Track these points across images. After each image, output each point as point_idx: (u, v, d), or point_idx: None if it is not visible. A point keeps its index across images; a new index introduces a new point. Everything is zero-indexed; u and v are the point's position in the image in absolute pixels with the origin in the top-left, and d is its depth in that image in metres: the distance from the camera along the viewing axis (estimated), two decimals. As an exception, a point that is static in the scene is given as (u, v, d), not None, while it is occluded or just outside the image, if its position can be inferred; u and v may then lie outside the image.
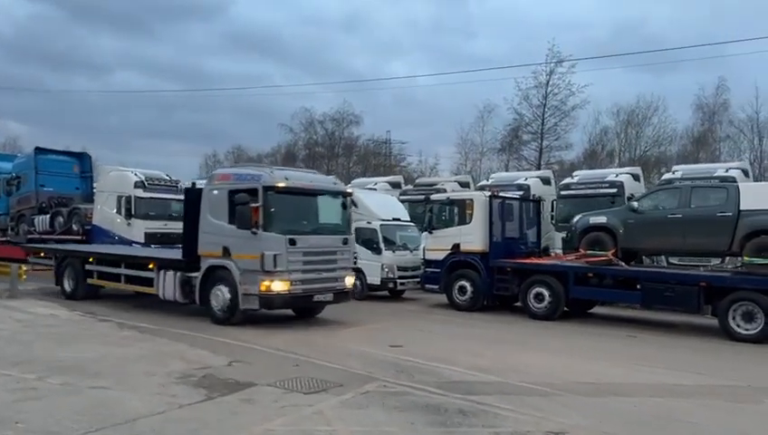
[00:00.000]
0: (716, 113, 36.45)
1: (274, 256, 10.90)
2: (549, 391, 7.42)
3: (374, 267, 16.22)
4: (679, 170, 18.58)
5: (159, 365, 8.15)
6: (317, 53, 72.99)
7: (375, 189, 22.10)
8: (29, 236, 23.65)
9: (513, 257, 14.74)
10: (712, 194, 12.75)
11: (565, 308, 13.71)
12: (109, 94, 70.17)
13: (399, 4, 73.53)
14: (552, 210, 18.99)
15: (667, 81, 51.88)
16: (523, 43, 60.67)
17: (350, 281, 12.40)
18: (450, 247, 15.02)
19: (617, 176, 18.89)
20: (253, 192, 11.12)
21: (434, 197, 16.70)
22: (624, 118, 39.05)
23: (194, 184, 13.77)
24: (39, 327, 11.10)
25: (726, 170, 17.42)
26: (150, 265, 13.16)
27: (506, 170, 34.25)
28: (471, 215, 14.85)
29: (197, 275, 12.12)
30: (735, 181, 15.82)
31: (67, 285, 15.15)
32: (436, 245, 15.40)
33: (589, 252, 13.53)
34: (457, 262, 14.92)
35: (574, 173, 21.19)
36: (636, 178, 19.28)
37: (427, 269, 15.80)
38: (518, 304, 14.55)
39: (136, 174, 21.81)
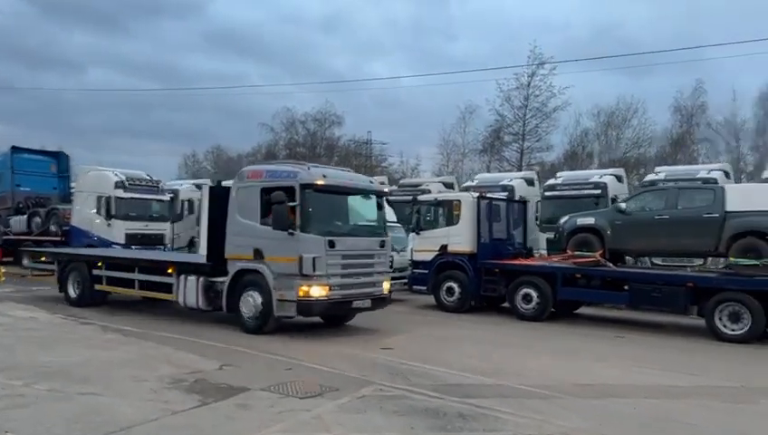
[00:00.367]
0: (694, 115, 37.00)
1: (313, 258, 10.14)
2: (547, 393, 7.38)
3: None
4: (662, 172, 18.80)
5: (148, 370, 7.95)
6: (297, 52, 72.75)
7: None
8: (5, 238, 23.18)
9: (501, 258, 14.75)
10: (698, 195, 12.87)
11: (552, 309, 13.74)
12: (83, 93, 69.03)
13: (380, 5, 73.64)
14: (537, 211, 19.08)
15: (645, 83, 52.74)
16: (505, 44, 61.13)
17: (387, 286, 11.64)
18: (438, 248, 14.97)
19: (601, 177, 19.08)
20: (289, 190, 10.36)
21: (421, 197, 16.66)
22: (604, 120, 39.44)
23: (219, 182, 13.07)
24: (19, 331, 10.79)
25: (708, 172, 17.66)
26: (170, 270, 12.27)
27: (488, 171, 34.35)
28: (459, 216, 14.82)
29: (224, 279, 11.26)
30: (717, 182, 16.04)
31: (72, 291, 14.18)
32: (423, 246, 15.34)
33: (576, 253, 13.58)
34: (445, 263, 14.87)
35: (558, 174, 21.32)
36: (619, 179, 19.50)
37: (415, 270, 15.74)
38: (506, 304, 14.56)
39: (116, 174, 21.52)
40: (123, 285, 13.33)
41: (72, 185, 24.43)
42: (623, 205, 13.52)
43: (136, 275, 13.01)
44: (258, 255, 10.76)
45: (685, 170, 19.21)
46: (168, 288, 12.32)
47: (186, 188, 27.14)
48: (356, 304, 11.05)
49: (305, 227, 10.34)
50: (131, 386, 7.11)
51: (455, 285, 14.74)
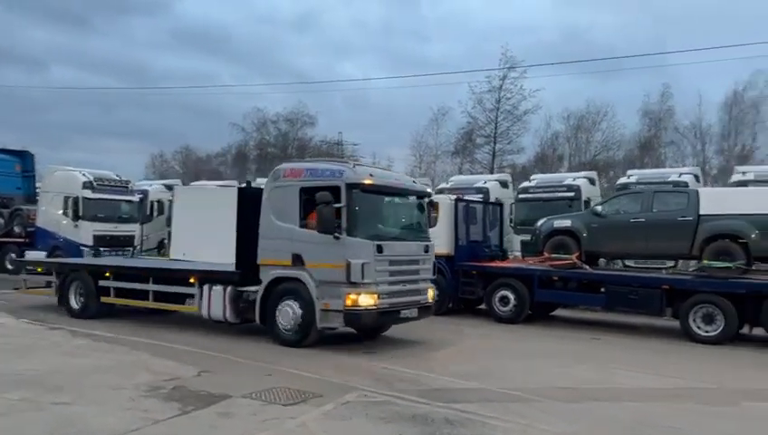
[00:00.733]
0: (662, 119, 37.62)
1: (362, 264, 9.35)
2: (530, 397, 7.37)
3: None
4: (634, 175, 19.07)
5: (124, 377, 7.71)
6: (267, 51, 71.93)
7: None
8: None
9: (478, 261, 14.78)
10: (673, 199, 13.05)
11: (529, 311, 13.79)
12: (47, 90, 67.41)
13: (351, 6, 73.32)
14: (511, 213, 19.17)
15: (614, 87, 53.47)
16: (476, 46, 61.25)
17: (431, 294, 10.87)
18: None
19: (574, 180, 19.25)
20: (334, 190, 9.57)
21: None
22: (574, 123, 39.97)
23: (249, 182, 12.25)
24: (-15, 337, 10.41)
25: (679, 175, 17.95)
26: (191, 280, 11.41)
27: (460, 173, 34.48)
28: (436, 218, 14.76)
29: (256, 288, 10.41)
30: (688, 185, 16.33)
31: (74, 303, 13.08)
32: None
33: (553, 255, 13.65)
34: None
35: (532, 177, 21.47)
36: (592, 181, 19.72)
37: (391, 272, 15.60)
38: (483, 307, 14.58)
39: (84, 174, 21.04)
40: (135, 296, 12.42)
41: (38, 185, 23.80)
42: (599, 208, 13.65)
43: (150, 286, 12.06)
44: (298, 261, 9.93)
45: (656, 174, 19.52)
46: (187, 300, 11.59)
47: (155, 188, 26.71)
48: (403, 313, 10.23)
49: (352, 231, 9.54)
50: (107, 394, 6.88)
51: (432, 288, 14.65)
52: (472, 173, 33.27)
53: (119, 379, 7.58)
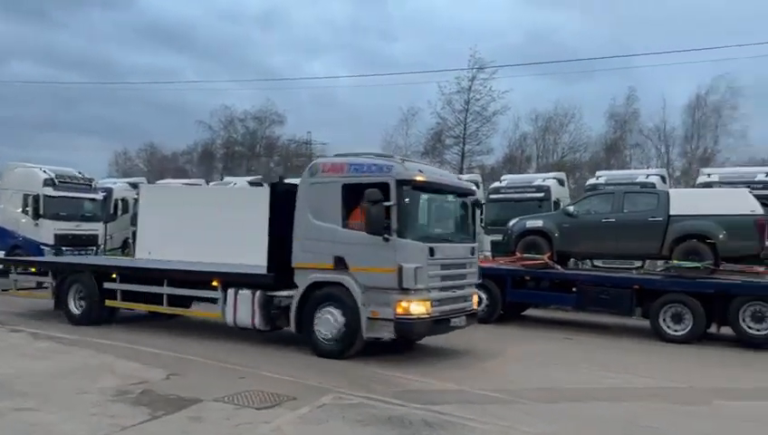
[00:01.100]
0: (627, 122, 38.30)
1: (415, 269, 8.60)
2: (508, 398, 7.31)
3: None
4: (603, 176, 19.31)
5: (89, 381, 7.43)
6: (233, 49, 71.06)
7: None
8: None
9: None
10: (644, 199, 13.22)
11: (501, 311, 13.80)
12: (5, 85, 65.32)
13: (318, 4, 72.85)
14: (481, 213, 19.19)
15: (583, 89, 54.30)
16: (443, 46, 61.56)
17: (476, 299, 10.24)
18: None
19: (543, 180, 19.42)
20: (381, 187, 8.75)
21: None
22: (542, 124, 40.46)
23: (281, 178, 11.27)
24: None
25: (647, 176, 18.26)
26: (214, 283, 10.55)
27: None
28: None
29: (290, 293, 9.59)
30: (655, 186, 16.58)
31: (74, 307, 12.10)
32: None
33: (525, 255, 13.68)
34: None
35: (502, 177, 21.58)
36: (561, 182, 19.94)
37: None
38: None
39: (45, 171, 20.42)
40: (145, 300, 11.54)
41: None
42: (571, 208, 13.72)
43: (165, 289, 11.16)
44: (340, 264, 9.10)
45: (624, 175, 19.82)
46: (208, 304, 10.83)
47: (119, 186, 26.12)
48: (453, 321, 9.51)
49: (403, 232, 8.75)
50: (73, 399, 6.61)
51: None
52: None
53: (84, 383, 7.30)
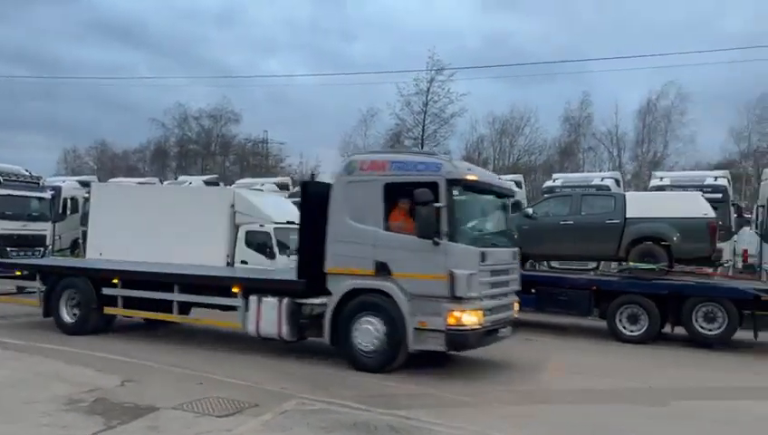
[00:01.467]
0: (581, 126, 39.21)
1: (469, 275, 8.06)
2: (474, 400, 7.30)
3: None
4: (559, 178, 19.66)
5: (38, 389, 7.07)
6: (189, 46, 69.80)
7: (261, 190, 21.26)
8: None
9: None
10: (601, 202, 13.46)
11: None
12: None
13: (276, 3, 72.20)
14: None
15: (539, 93, 55.45)
16: (401, 48, 61.95)
17: (516, 307, 9.65)
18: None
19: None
20: (431, 187, 8.14)
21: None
22: (499, 127, 40.99)
23: (313, 175, 10.22)
24: None
25: (602, 179, 18.67)
26: (234, 289, 9.71)
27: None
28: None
29: (322, 301, 8.90)
30: (610, 189, 16.93)
31: (67, 315, 11.08)
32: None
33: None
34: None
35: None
36: (518, 184, 20.18)
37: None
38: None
39: (-13, 168, 19.54)
40: (152, 308, 10.64)
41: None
42: (530, 210, 13.86)
43: (176, 296, 10.24)
44: (383, 270, 8.44)
45: (580, 178, 20.23)
46: (225, 313, 10.06)
47: (68, 185, 25.31)
48: (501, 332, 9.00)
49: (454, 235, 8.18)
50: (21, 409, 6.26)
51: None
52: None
53: (33, 391, 6.95)
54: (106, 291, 10.79)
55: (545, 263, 16.52)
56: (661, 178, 17.48)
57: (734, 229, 16.97)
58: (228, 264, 14.52)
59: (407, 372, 8.56)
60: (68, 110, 68.79)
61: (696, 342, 11.68)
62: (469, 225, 8.79)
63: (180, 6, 71.93)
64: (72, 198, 23.86)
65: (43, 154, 76.46)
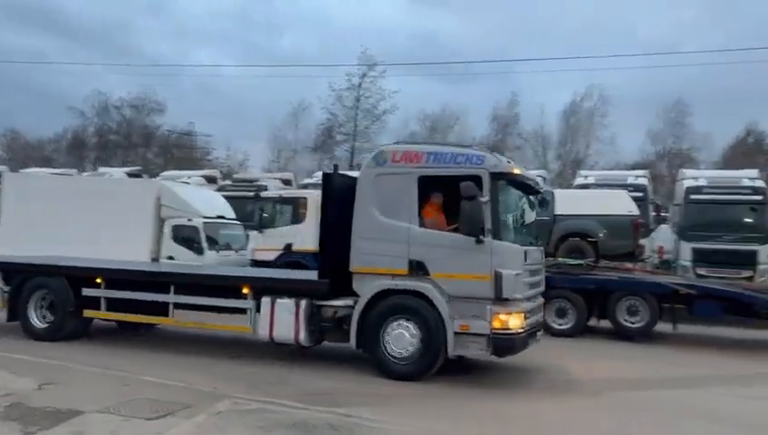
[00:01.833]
0: (509, 125, 40.10)
1: (515, 275, 7.54)
2: (416, 396, 7.25)
3: (196, 269, 14.85)
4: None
5: (-55, 395, 6.51)
6: (113, 33, 66.53)
7: (188, 183, 20.55)
8: None
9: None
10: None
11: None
12: None
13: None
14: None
15: (469, 91, 56.26)
16: (331, 43, 61.42)
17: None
18: (282, 247, 14.42)
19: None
20: (473, 181, 7.61)
21: (264, 194, 15.95)
22: (429, 125, 41.33)
23: (336, 166, 9.37)
24: None
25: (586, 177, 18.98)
26: (244, 290, 8.86)
27: (320, 169, 34.25)
28: (305, 214, 14.40)
29: (346, 303, 8.27)
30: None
31: (36, 319, 9.91)
32: (266, 244, 14.72)
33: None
34: (290, 262, 14.35)
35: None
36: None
37: (256, 270, 14.95)
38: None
39: None
40: (142, 310, 9.58)
41: None
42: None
43: (172, 298, 9.27)
44: (418, 269, 7.87)
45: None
46: (232, 316, 9.18)
47: (-25, 175, 23.53)
48: (538, 335, 8.60)
49: (498, 233, 7.69)
50: (-76, 418, 5.73)
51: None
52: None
53: (-63, 397, 6.39)
54: (86, 292, 9.71)
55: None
56: (586, 177, 18.09)
57: (651, 226, 17.76)
58: (154, 259, 13.95)
59: (351, 370, 8.44)
60: (-25, 96, 64.29)
61: (620, 334, 12.13)
62: (510, 221, 8.39)
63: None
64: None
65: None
